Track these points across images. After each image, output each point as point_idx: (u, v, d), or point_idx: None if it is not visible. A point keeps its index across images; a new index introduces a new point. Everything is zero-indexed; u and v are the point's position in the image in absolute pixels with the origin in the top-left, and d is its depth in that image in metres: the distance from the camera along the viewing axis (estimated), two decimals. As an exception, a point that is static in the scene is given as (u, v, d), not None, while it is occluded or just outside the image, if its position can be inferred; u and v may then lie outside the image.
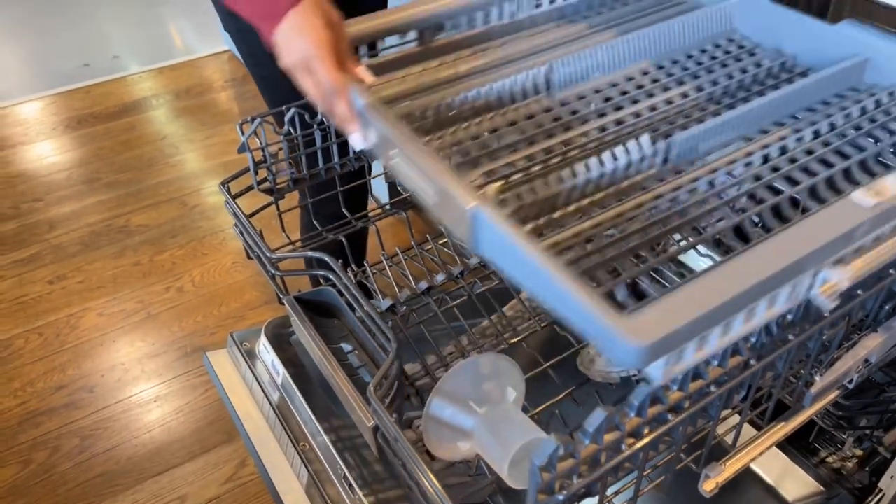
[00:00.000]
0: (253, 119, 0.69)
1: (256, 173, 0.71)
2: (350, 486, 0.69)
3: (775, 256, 0.39)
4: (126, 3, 2.85)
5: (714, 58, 0.69)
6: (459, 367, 0.51)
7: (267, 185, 0.73)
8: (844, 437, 0.92)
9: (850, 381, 0.59)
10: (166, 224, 1.73)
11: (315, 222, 0.79)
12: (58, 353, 1.42)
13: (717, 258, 0.48)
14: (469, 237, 0.44)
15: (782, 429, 0.55)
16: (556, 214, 0.49)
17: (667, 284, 0.52)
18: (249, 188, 0.73)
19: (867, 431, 0.90)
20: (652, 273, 0.49)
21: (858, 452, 0.94)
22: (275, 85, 0.94)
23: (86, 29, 2.67)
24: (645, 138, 0.53)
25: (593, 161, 0.52)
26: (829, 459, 0.94)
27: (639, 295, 0.44)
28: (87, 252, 1.65)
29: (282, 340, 0.85)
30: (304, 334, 0.64)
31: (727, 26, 0.71)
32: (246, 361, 0.86)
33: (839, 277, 0.39)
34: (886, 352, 0.60)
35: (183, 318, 1.49)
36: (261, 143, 0.70)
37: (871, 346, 0.57)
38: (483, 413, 0.50)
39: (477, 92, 0.61)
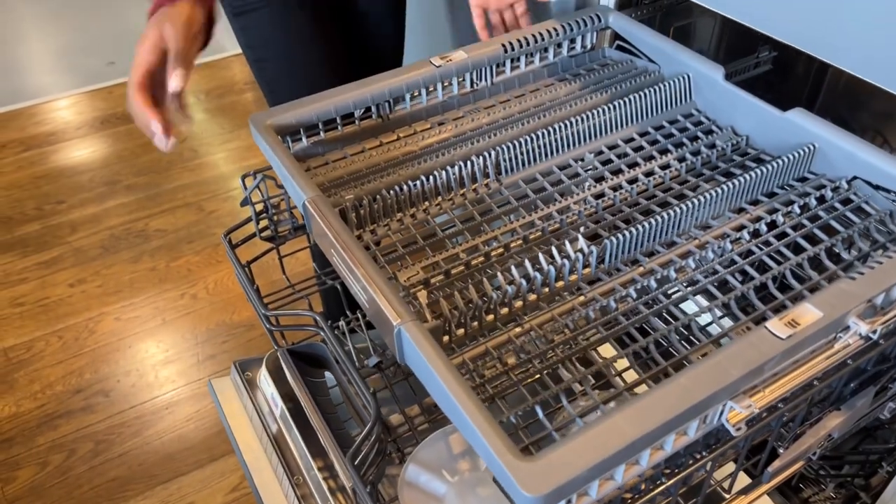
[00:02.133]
0: (255, 174, 0.72)
1: (258, 223, 0.75)
2: (339, 523, 0.73)
3: (684, 394, 0.41)
4: (152, -1, 2.89)
5: (671, 135, 0.71)
6: (434, 437, 0.55)
7: (268, 233, 0.76)
8: (827, 482, 0.94)
9: (814, 454, 0.61)
10: (183, 229, 1.78)
11: (315, 265, 0.82)
12: (76, 357, 1.47)
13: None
14: (396, 349, 0.47)
15: (741, 501, 0.58)
16: (489, 318, 0.52)
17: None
18: (252, 236, 0.76)
19: (848, 478, 0.92)
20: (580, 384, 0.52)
21: (842, 493, 0.96)
22: (267, 69, 0.97)
23: (112, 25, 2.72)
24: (581, 239, 0.56)
25: (529, 262, 0.55)
26: (813, 500, 0.96)
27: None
28: (106, 256, 1.71)
29: (282, 373, 0.89)
30: (295, 388, 0.67)
31: (686, 101, 0.73)
32: (247, 391, 0.90)
33: (747, 409, 0.41)
34: (851, 425, 0.62)
35: (196, 326, 1.54)
36: (263, 196, 0.73)
37: (833, 424, 0.59)
38: (454, 482, 0.54)
39: (425, 177, 0.64)
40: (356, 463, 0.52)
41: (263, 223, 0.76)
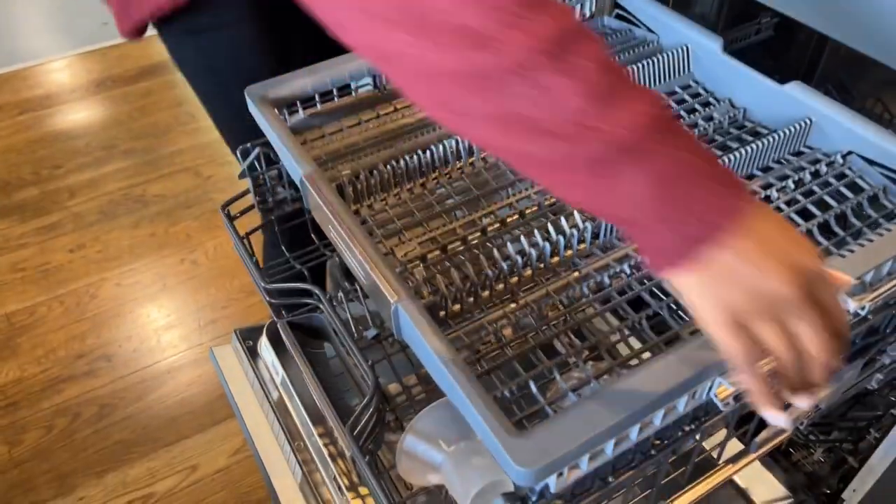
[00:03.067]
0: (252, 146, 0.72)
1: (257, 195, 0.75)
2: (339, 488, 0.75)
3: (674, 371, 0.42)
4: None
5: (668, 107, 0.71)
6: (431, 407, 0.56)
7: (266, 205, 0.77)
8: (816, 446, 0.96)
9: (802, 424, 0.63)
10: (181, 195, 1.78)
11: (314, 236, 0.83)
12: (78, 322, 1.49)
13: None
14: (393, 325, 0.49)
15: (729, 469, 0.60)
16: (485, 293, 0.53)
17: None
18: (250, 208, 0.77)
19: (836, 443, 0.95)
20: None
21: (830, 457, 0.98)
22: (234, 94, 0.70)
23: (104, -15, 2.67)
24: (577, 214, 0.57)
25: (525, 237, 0.56)
26: (801, 464, 0.99)
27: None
28: (105, 221, 1.71)
29: (283, 342, 0.90)
30: (295, 359, 0.68)
31: (684, 72, 0.73)
32: (248, 358, 0.92)
33: (734, 386, 0.42)
34: (839, 396, 0.64)
35: (197, 291, 1.55)
36: (260, 169, 0.73)
37: (820, 395, 0.60)
38: (450, 451, 0.55)
39: (424, 150, 0.64)
40: (355, 433, 0.54)
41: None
